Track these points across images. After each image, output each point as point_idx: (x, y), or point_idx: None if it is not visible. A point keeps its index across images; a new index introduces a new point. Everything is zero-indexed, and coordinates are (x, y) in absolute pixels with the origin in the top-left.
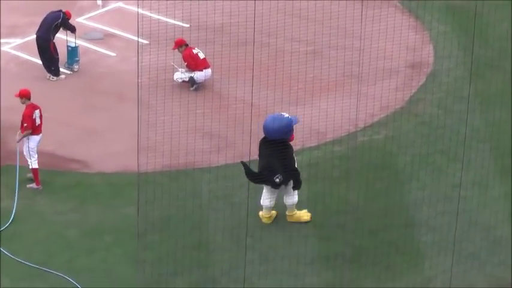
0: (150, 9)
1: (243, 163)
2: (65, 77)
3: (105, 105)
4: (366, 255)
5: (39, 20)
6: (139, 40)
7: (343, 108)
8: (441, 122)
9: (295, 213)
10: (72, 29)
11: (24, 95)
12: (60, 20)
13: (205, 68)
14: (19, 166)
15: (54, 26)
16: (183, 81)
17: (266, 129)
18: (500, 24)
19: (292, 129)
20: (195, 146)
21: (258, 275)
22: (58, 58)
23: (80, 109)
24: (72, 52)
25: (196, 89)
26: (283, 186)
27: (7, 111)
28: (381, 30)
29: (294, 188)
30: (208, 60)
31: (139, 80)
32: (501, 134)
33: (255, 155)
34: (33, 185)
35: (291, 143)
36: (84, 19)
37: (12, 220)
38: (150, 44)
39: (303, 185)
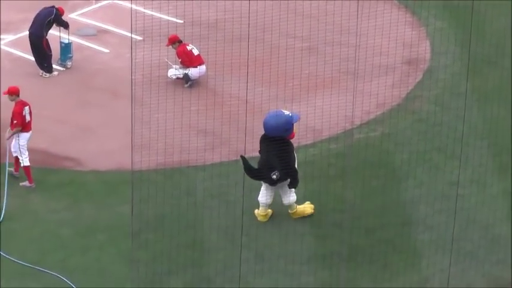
0: (144, 5)
1: (243, 158)
2: (58, 74)
3: (98, 103)
4: (363, 254)
5: (32, 16)
6: (133, 36)
7: (339, 105)
8: (438, 119)
9: (297, 209)
10: (65, 25)
11: (13, 92)
12: (53, 16)
13: (199, 64)
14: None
15: (47, 22)
16: (177, 78)
17: (265, 126)
18: (498, 20)
19: (293, 127)
20: (190, 143)
21: (253, 274)
22: (51, 55)
23: (73, 106)
24: (65, 48)
25: (190, 86)
26: (281, 184)
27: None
28: (377, 26)
29: (290, 186)
30: (202, 56)
31: (133, 77)
32: (499, 130)
33: (250, 152)
34: (26, 183)
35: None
36: (77, 15)
37: (2, 219)
38: (143, 40)
39: (299, 183)
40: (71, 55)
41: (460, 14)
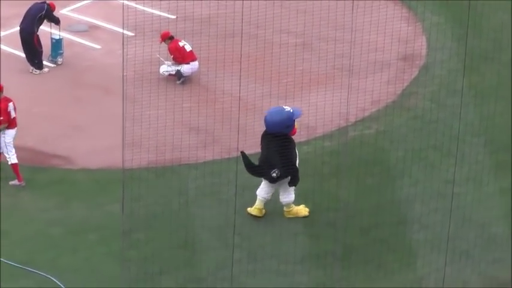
0: (136, 0)
1: (243, 154)
2: (49, 70)
3: (89, 99)
4: (357, 254)
5: (23, 11)
6: (125, 32)
7: (333, 102)
8: (434, 116)
9: (293, 209)
10: (56, 21)
11: None
12: (44, 12)
13: (192, 60)
14: None
15: (38, 18)
16: (170, 74)
17: (266, 122)
18: (495, 15)
19: (294, 123)
20: (182, 141)
21: (246, 274)
22: (42, 51)
23: (63, 103)
24: (56, 45)
25: (183, 83)
26: (281, 182)
27: None
28: (372, 21)
29: (290, 184)
30: (195, 52)
31: (124, 73)
32: (496, 128)
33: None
34: (16, 182)
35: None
36: (68, 11)
37: None
38: (135, 36)
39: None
40: (61, 51)
41: (457, 8)
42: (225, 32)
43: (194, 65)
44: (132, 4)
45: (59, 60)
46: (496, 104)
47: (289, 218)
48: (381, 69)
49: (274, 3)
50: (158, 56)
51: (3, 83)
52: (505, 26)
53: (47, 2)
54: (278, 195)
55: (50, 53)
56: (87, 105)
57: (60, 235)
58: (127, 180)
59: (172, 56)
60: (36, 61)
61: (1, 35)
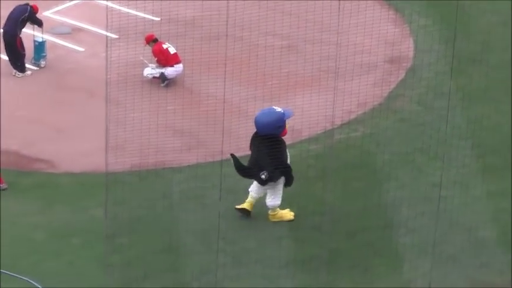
0: (120, 2)
1: (233, 156)
2: (31, 73)
3: (72, 102)
4: (343, 258)
5: (6, 13)
6: (108, 34)
7: (319, 104)
8: (421, 119)
9: (277, 213)
10: (39, 24)
11: None
12: (27, 14)
13: (176, 63)
14: None
15: (21, 20)
16: (154, 77)
17: (257, 124)
18: (483, 17)
19: (285, 124)
20: (166, 144)
21: (230, 278)
22: (25, 54)
23: (46, 106)
24: (39, 47)
25: (167, 85)
26: (271, 184)
27: None
28: (358, 23)
29: (286, 184)
30: (179, 55)
31: (108, 76)
32: (483, 131)
33: (227, 154)
34: None
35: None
36: (51, 13)
37: None
38: (119, 38)
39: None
40: (44, 54)
41: (445, 10)
42: (209, 34)
43: (178, 67)
44: (116, 6)
45: (42, 63)
46: (484, 106)
47: (274, 222)
48: (368, 72)
49: (259, 4)
50: (142, 58)
51: None
52: (492, 28)
53: (30, 4)
54: (262, 199)
55: (32, 55)
56: (71, 108)
57: (43, 239)
58: (110, 183)
59: (156, 59)
60: (19, 64)
61: None
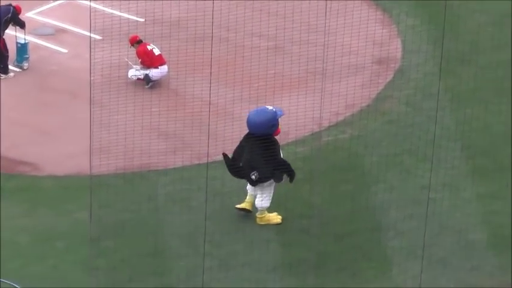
0: (103, 3)
1: (225, 155)
2: (14, 75)
3: (56, 104)
4: (331, 262)
5: None
6: (92, 35)
7: (306, 106)
8: (409, 121)
9: (265, 216)
10: (21, 25)
11: None
12: (10, 15)
13: (160, 64)
14: None
15: (4, 21)
16: (138, 78)
17: (250, 123)
18: (472, 17)
19: (278, 123)
20: (151, 146)
21: (217, 282)
22: (7, 55)
23: (29, 108)
24: (22, 49)
25: (151, 87)
26: (261, 185)
27: None
28: (346, 24)
29: (291, 180)
30: (164, 56)
31: (92, 78)
32: (473, 132)
33: (213, 156)
34: None
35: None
36: (34, 13)
37: None
38: (103, 39)
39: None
40: (27, 56)
41: (433, 10)
42: (194, 36)
43: (163, 69)
44: (100, 7)
45: (25, 65)
46: (473, 107)
47: (261, 225)
48: (355, 73)
49: (245, 5)
50: (126, 60)
51: None
52: (481, 28)
53: (13, 4)
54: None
55: (15, 57)
56: (54, 110)
57: (27, 243)
58: (95, 186)
59: (140, 60)
60: (1, 66)
61: None
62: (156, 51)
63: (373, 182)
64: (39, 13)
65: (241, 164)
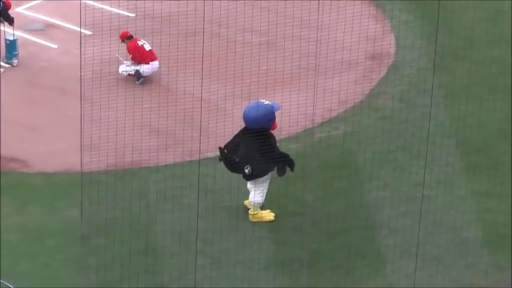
0: None
1: (221, 149)
2: (4, 71)
3: (46, 101)
4: (324, 260)
5: None
6: (82, 31)
7: (299, 102)
8: (403, 117)
9: (258, 213)
10: (10, 21)
11: None
12: None
13: (151, 60)
14: None
15: None
16: (129, 74)
17: (246, 118)
18: (466, 12)
19: (275, 117)
20: (142, 143)
21: (209, 281)
22: None
23: (19, 105)
24: (11, 46)
25: (142, 83)
26: (255, 180)
27: None
28: (339, 19)
29: (292, 170)
30: (155, 52)
31: (82, 74)
32: (467, 129)
33: (205, 153)
34: None
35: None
36: (23, 9)
37: None
38: (93, 35)
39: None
40: (16, 52)
41: (427, 6)
42: (186, 31)
43: (154, 64)
44: (90, 2)
45: (15, 61)
46: (467, 104)
47: (253, 222)
48: (348, 69)
49: (237, 0)
50: (117, 55)
51: None
52: (475, 23)
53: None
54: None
55: (4, 54)
56: (44, 106)
57: (17, 241)
58: (85, 183)
59: (131, 56)
60: None
61: None
62: (147, 47)
63: (367, 179)
64: (29, 8)
65: (236, 160)
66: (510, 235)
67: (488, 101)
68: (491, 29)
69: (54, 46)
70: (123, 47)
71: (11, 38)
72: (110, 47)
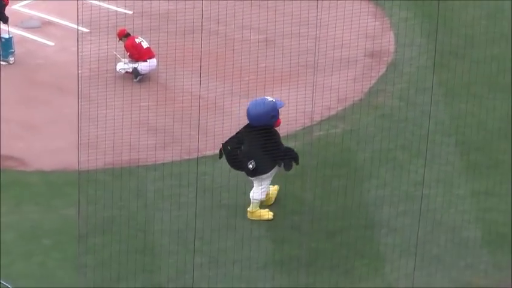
0: None
1: (224, 146)
2: (0, 69)
3: (43, 99)
4: (323, 259)
5: None
6: (79, 28)
7: (297, 100)
8: (403, 115)
9: (256, 211)
10: (4, 20)
11: None
12: None
13: (149, 58)
14: None
15: None
16: (126, 72)
17: (250, 115)
18: (466, 10)
19: (278, 113)
20: (140, 141)
21: (207, 280)
22: None
23: (16, 103)
24: (6, 44)
25: (140, 81)
26: (258, 177)
27: None
28: (338, 17)
29: (297, 163)
30: (152, 49)
31: (79, 71)
32: (467, 127)
33: (203, 151)
34: None
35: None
36: (20, 6)
37: None
38: (90, 32)
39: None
40: (12, 50)
41: (426, 3)
42: (184, 28)
43: (152, 62)
44: None
45: (11, 59)
46: (467, 102)
47: (252, 221)
48: (347, 66)
49: None
50: (115, 53)
51: None
52: (476, 21)
53: None
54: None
55: (0, 52)
56: (41, 104)
57: (13, 240)
58: (83, 182)
59: (128, 53)
60: None
61: None
62: (145, 44)
63: (366, 177)
64: (26, 5)
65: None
66: (510, 235)
67: (488, 99)
68: (491, 27)
69: (51, 44)
70: (121, 44)
71: (6, 36)
72: (108, 45)
